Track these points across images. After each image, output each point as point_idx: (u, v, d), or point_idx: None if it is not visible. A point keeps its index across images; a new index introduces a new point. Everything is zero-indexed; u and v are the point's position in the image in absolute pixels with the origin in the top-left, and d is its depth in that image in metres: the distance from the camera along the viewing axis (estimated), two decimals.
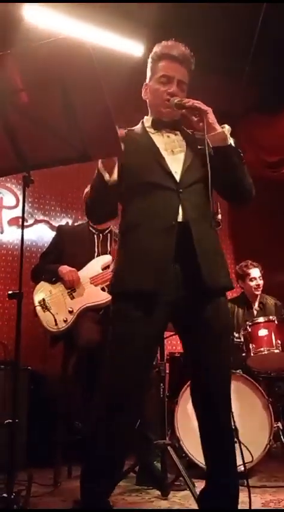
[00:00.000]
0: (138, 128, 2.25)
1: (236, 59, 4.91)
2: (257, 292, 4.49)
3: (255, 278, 4.47)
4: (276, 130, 5.41)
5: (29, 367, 3.86)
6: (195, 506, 2.33)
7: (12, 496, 2.15)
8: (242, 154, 2.14)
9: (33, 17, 4.35)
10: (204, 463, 2.12)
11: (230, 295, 5.42)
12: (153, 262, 1.99)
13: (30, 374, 3.86)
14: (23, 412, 3.60)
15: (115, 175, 2.03)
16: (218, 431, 2.04)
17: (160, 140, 2.18)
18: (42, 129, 1.95)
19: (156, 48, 2.23)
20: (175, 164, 2.11)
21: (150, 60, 2.24)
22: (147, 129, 2.22)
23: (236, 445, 3.00)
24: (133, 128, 2.25)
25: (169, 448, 2.80)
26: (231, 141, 2.10)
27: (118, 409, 1.97)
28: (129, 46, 4.76)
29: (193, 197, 2.07)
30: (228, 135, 2.09)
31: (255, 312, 4.46)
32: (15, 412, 2.31)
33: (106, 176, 2.03)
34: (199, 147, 2.09)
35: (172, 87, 2.16)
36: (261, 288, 4.50)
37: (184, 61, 2.19)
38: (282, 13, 4.40)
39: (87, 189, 3.64)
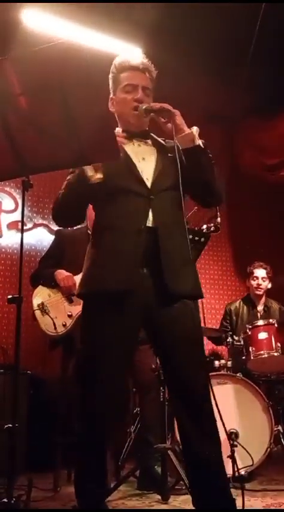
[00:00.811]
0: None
1: (234, 62, 4.92)
2: (258, 292, 4.53)
3: (257, 278, 4.52)
4: (274, 132, 5.42)
5: (29, 371, 3.85)
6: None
7: (13, 501, 2.14)
8: (211, 155, 2.15)
9: (32, 21, 4.36)
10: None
11: (228, 298, 5.48)
12: (122, 264, 2.02)
13: (29, 378, 3.86)
14: (23, 417, 3.59)
15: (100, 174, 2.04)
16: (203, 439, 1.99)
17: (131, 149, 2.20)
18: (41, 133, 1.95)
19: (115, 62, 2.27)
20: (146, 171, 2.14)
21: (110, 75, 2.28)
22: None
23: (236, 449, 3.05)
24: None
25: (169, 452, 2.79)
26: (199, 142, 2.12)
27: (94, 416, 2.01)
28: (127, 50, 4.76)
29: (165, 203, 2.10)
30: (196, 136, 2.11)
31: (259, 314, 4.48)
32: (15, 416, 2.31)
33: (92, 174, 2.03)
34: (169, 154, 2.12)
35: (137, 94, 2.18)
36: (263, 289, 4.53)
37: (145, 69, 2.23)
38: (280, 16, 4.41)
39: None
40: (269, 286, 4.56)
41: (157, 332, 2.10)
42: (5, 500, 2.12)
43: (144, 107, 2.13)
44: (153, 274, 2.04)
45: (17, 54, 1.90)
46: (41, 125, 1.94)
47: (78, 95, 1.83)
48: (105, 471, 2.11)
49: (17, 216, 4.98)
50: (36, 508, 2.61)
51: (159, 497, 2.79)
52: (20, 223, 2.43)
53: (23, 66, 1.81)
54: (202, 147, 2.12)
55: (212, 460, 1.98)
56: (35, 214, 5.16)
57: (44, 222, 5.21)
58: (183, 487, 2.75)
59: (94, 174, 2.04)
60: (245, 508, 2.12)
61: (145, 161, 2.17)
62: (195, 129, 2.11)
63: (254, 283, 4.54)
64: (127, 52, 2.28)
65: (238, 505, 2.03)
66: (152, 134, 2.27)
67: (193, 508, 2.03)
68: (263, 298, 4.58)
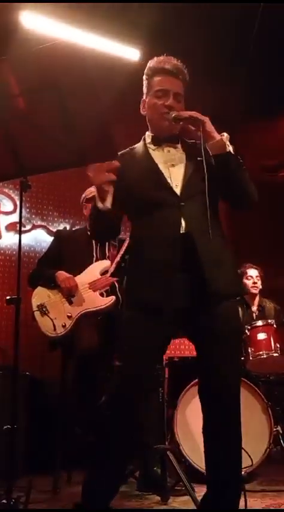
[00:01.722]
0: (139, 145, 2.28)
1: (233, 63, 4.93)
2: (254, 291, 4.57)
3: (252, 277, 4.58)
4: (274, 134, 5.44)
5: (28, 373, 3.85)
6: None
7: (12, 503, 2.14)
8: (242, 161, 2.16)
9: (30, 22, 4.37)
10: (204, 468, 2.11)
11: None
12: (158, 275, 2.04)
13: (29, 379, 3.85)
14: (22, 418, 3.59)
15: (108, 203, 2.05)
16: (224, 437, 2.04)
17: (160, 155, 2.20)
18: (39, 134, 1.95)
19: (149, 64, 2.26)
20: (176, 177, 2.14)
21: (144, 77, 2.28)
22: (148, 145, 2.25)
23: None
24: (134, 146, 2.29)
25: (168, 453, 2.79)
26: (230, 148, 2.13)
27: (121, 418, 2.01)
28: (125, 51, 4.78)
29: (195, 208, 2.09)
30: (227, 143, 2.11)
31: (254, 315, 4.49)
32: (14, 418, 2.31)
33: (100, 204, 2.05)
34: (199, 158, 2.10)
35: (168, 100, 2.18)
36: (258, 288, 4.57)
37: (178, 73, 2.22)
38: (279, 19, 4.42)
39: (84, 194, 3.65)
40: (261, 286, 4.60)
41: (197, 334, 2.12)
42: (5, 501, 2.12)
43: (173, 115, 2.13)
44: (191, 279, 2.05)
45: (15, 54, 1.90)
46: (39, 125, 1.94)
47: (76, 95, 1.83)
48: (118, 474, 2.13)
49: (15, 217, 4.98)
50: (35, 509, 2.61)
51: (159, 498, 2.79)
52: (18, 225, 2.43)
53: (21, 67, 1.82)
54: (232, 153, 2.13)
55: (233, 461, 2.04)
56: (33, 216, 5.16)
57: (43, 224, 5.20)
58: (183, 488, 2.75)
59: (102, 205, 2.05)
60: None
61: (174, 168, 2.17)
62: (225, 136, 2.12)
63: (249, 282, 4.58)
64: (162, 56, 2.25)
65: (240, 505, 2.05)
66: (183, 138, 2.27)
67: (193, 508, 2.04)
68: (257, 298, 4.60)
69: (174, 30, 4.48)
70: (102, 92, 1.80)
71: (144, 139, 2.28)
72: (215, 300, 2.05)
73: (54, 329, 3.20)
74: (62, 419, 3.35)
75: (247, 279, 4.59)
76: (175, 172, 2.16)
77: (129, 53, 4.79)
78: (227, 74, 5.06)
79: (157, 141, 2.24)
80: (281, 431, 3.58)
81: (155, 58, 2.27)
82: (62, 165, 2.13)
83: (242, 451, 2.20)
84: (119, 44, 4.72)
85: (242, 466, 2.35)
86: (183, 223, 2.07)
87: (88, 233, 2.39)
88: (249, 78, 4.94)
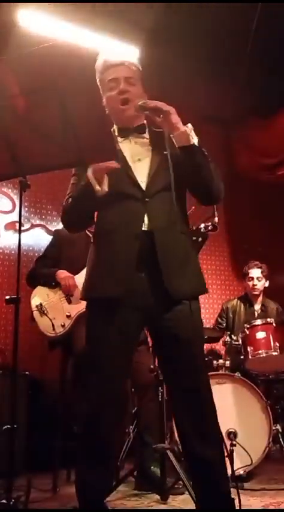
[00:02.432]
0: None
1: (231, 62, 4.92)
2: (254, 292, 4.54)
3: (252, 278, 4.53)
4: (272, 132, 5.43)
5: (27, 372, 3.85)
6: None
7: (12, 502, 2.14)
8: (206, 154, 2.12)
9: (28, 21, 4.35)
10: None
11: (225, 297, 5.49)
12: (118, 270, 2.04)
13: (28, 379, 3.85)
14: (22, 418, 3.59)
15: (105, 186, 2.03)
16: (204, 439, 1.99)
17: (127, 148, 2.18)
18: (38, 133, 1.95)
19: (96, 66, 2.22)
20: (141, 173, 2.13)
21: (97, 81, 2.23)
22: (116, 138, 2.21)
23: (235, 448, 3.05)
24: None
25: (168, 452, 2.79)
26: (195, 140, 2.09)
27: (96, 415, 2.02)
28: (124, 50, 4.77)
29: (161, 205, 2.08)
30: (191, 134, 2.09)
31: (256, 314, 4.49)
32: (13, 417, 2.31)
33: (97, 187, 2.02)
34: (165, 152, 2.07)
35: (119, 86, 2.14)
36: (258, 289, 4.54)
37: (122, 63, 2.18)
38: (276, 18, 4.42)
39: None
40: (266, 284, 4.56)
41: (158, 334, 2.11)
42: (4, 501, 2.12)
43: (139, 103, 2.10)
44: (152, 277, 2.04)
45: (14, 55, 1.90)
46: (38, 125, 1.94)
47: (75, 95, 1.83)
48: (110, 470, 2.14)
49: (14, 216, 4.97)
50: (35, 509, 2.61)
51: (158, 497, 2.79)
52: (17, 224, 2.42)
53: (20, 67, 1.82)
54: (197, 145, 2.09)
55: (212, 460, 1.98)
56: (32, 215, 5.15)
57: (42, 223, 5.20)
58: (182, 487, 2.75)
59: (99, 188, 2.02)
60: (243, 507, 2.12)
61: (140, 162, 2.15)
62: (189, 127, 2.09)
63: (249, 283, 4.55)
64: (103, 52, 2.22)
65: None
66: (151, 127, 2.23)
67: (193, 508, 2.03)
68: (261, 298, 4.59)
69: (173, 29, 4.47)
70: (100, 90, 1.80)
71: (113, 132, 2.24)
72: (174, 301, 2.04)
73: (53, 329, 3.20)
74: (61, 419, 3.35)
75: (248, 280, 4.56)
76: (140, 167, 2.14)
77: (129, 52, 4.78)
78: (226, 72, 5.05)
79: (123, 133, 2.20)
80: (280, 430, 3.58)
81: (98, 59, 2.22)
82: (61, 165, 2.13)
83: (242, 449, 2.21)
84: (118, 43, 4.71)
85: (242, 465, 2.37)
86: (146, 220, 2.07)
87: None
88: (248, 77, 4.94)
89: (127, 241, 2.04)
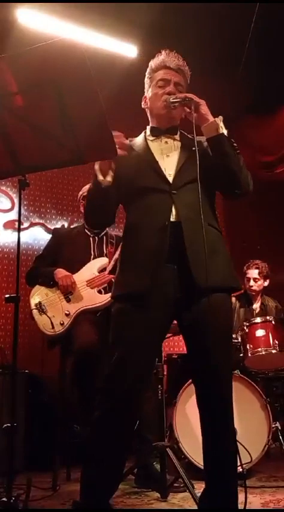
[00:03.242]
0: (139, 137, 2.32)
1: (229, 61, 4.93)
2: (252, 293, 4.53)
3: (249, 279, 4.54)
4: (270, 130, 5.44)
5: (27, 371, 3.85)
6: (194, 508, 2.33)
7: (12, 500, 2.14)
8: (236, 145, 2.16)
9: (27, 19, 4.35)
10: (203, 465, 2.11)
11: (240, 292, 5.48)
12: (146, 262, 2.04)
13: (27, 378, 3.85)
14: (21, 416, 3.59)
15: (109, 177, 2.04)
16: (215, 434, 2.03)
17: (157, 146, 2.23)
18: (37, 132, 1.95)
19: (151, 63, 2.30)
20: (169, 166, 2.16)
21: (146, 76, 2.32)
22: (147, 137, 2.28)
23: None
24: (134, 138, 2.31)
25: (168, 449, 2.79)
26: (224, 130, 2.14)
27: (118, 410, 1.99)
28: (122, 47, 4.77)
29: (188, 197, 2.10)
30: (220, 125, 2.13)
31: (255, 312, 4.49)
32: (13, 416, 2.31)
33: (100, 177, 2.04)
34: (193, 148, 2.11)
35: (169, 88, 2.21)
36: (255, 290, 4.54)
37: (179, 70, 2.26)
38: (274, 16, 4.41)
39: (82, 192, 3.66)
40: (266, 284, 4.56)
41: (187, 327, 2.11)
42: (4, 499, 2.12)
43: (171, 99, 2.16)
44: (181, 269, 2.05)
45: (12, 52, 1.89)
46: (37, 123, 1.93)
47: (74, 93, 1.82)
48: (121, 470, 2.10)
49: (13, 215, 4.98)
50: (35, 508, 2.61)
51: (158, 494, 2.80)
52: (16, 223, 2.42)
53: (19, 65, 1.81)
54: (226, 135, 2.14)
55: (226, 459, 2.02)
56: (31, 213, 5.16)
57: (41, 221, 5.20)
58: (182, 485, 2.75)
59: (103, 179, 2.04)
60: (242, 505, 2.12)
61: (169, 157, 2.19)
62: (219, 118, 2.14)
63: (247, 284, 4.56)
64: (164, 54, 2.29)
65: (240, 501, 2.06)
66: (182, 131, 2.29)
67: (192, 505, 2.04)
68: (260, 297, 4.59)
69: (171, 27, 4.47)
70: (100, 89, 1.80)
71: (145, 132, 2.32)
72: (203, 292, 2.02)
73: (53, 327, 3.20)
74: (60, 417, 3.35)
75: (247, 280, 4.56)
76: (169, 162, 2.18)
77: (127, 49, 4.78)
78: (224, 70, 5.06)
79: (156, 132, 2.26)
80: (280, 428, 3.59)
81: (157, 56, 2.29)
82: (60, 163, 2.12)
83: (242, 447, 2.21)
84: (117, 40, 4.71)
85: (242, 463, 2.36)
86: (174, 211, 2.08)
87: (84, 220, 2.34)
88: (245, 75, 4.94)
89: (155, 232, 2.05)
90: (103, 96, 1.80)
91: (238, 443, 3.06)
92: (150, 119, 2.32)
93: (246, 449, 3.05)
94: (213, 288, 2.02)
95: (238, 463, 2.12)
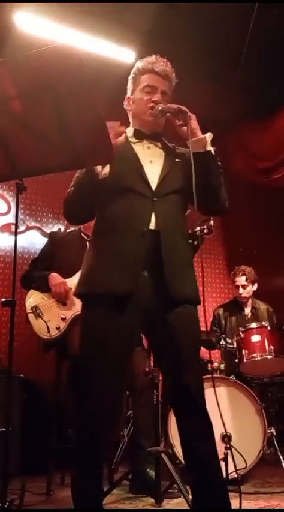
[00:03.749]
0: (120, 139, 2.25)
1: (227, 66, 4.94)
2: (243, 300, 4.55)
3: (238, 286, 4.55)
4: (267, 136, 5.45)
5: (22, 375, 3.84)
6: None
7: (6, 505, 2.13)
8: (220, 164, 2.18)
9: (25, 24, 4.36)
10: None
11: (222, 301, 5.48)
12: (124, 266, 2.03)
13: (23, 382, 3.84)
14: (16, 420, 3.58)
15: (107, 170, 2.06)
16: (196, 445, 2.01)
17: (140, 150, 2.23)
18: (35, 136, 1.95)
19: (138, 64, 2.29)
20: (153, 174, 2.16)
21: (131, 75, 2.31)
22: (129, 139, 2.26)
23: (229, 451, 3.04)
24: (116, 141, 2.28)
25: (163, 455, 2.78)
26: (211, 148, 2.15)
27: (93, 420, 1.99)
28: (120, 53, 4.78)
29: (168, 207, 2.12)
30: (208, 142, 2.15)
31: (247, 318, 4.50)
32: (8, 420, 2.30)
33: (99, 169, 2.06)
34: (177, 160, 2.15)
35: (156, 96, 2.21)
36: (245, 297, 4.55)
37: (166, 76, 2.26)
38: (272, 21, 4.44)
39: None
40: (254, 288, 4.56)
41: (157, 335, 2.11)
42: None
43: (160, 107, 2.16)
44: (155, 277, 2.05)
45: (10, 57, 1.89)
46: (34, 127, 1.93)
47: (72, 97, 1.83)
48: (101, 475, 2.08)
49: (9, 218, 4.97)
50: (34, 508, 2.60)
51: (153, 500, 2.79)
52: (12, 226, 2.42)
53: (17, 69, 1.81)
54: (213, 153, 2.15)
55: (209, 459, 2.00)
56: (27, 217, 5.15)
57: (37, 225, 5.20)
58: (176, 490, 2.75)
59: (101, 170, 2.06)
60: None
61: (152, 164, 2.19)
62: (208, 135, 2.15)
63: (237, 291, 4.59)
64: (153, 58, 2.29)
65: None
66: (163, 138, 2.29)
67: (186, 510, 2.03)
68: (251, 300, 4.60)
69: (169, 32, 4.48)
70: (98, 94, 1.80)
71: (126, 134, 2.27)
72: (174, 303, 2.04)
73: (48, 331, 3.19)
74: (55, 421, 3.34)
75: (236, 287, 4.59)
76: (152, 169, 2.17)
77: (125, 54, 4.79)
78: (221, 75, 5.07)
79: (139, 136, 2.25)
80: (274, 433, 3.59)
81: (144, 59, 2.29)
82: (57, 168, 2.12)
83: (236, 453, 2.21)
84: (114, 45, 4.72)
85: (237, 468, 2.37)
86: (153, 219, 2.08)
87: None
88: (243, 80, 4.96)
89: (133, 237, 2.05)
90: (101, 101, 1.80)
91: (233, 449, 3.07)
92: (131, 120, 2.31)
93: (241, 455, 3.05)
94: (184, 299, 2.05)
95: (234, 469, 2.12)
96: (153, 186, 2.13)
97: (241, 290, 4.52)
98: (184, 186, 2.09)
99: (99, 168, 2.07)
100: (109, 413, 2.05)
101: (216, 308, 4.77)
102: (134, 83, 2.29)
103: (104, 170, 2.07)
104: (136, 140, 2.25)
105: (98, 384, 2.00)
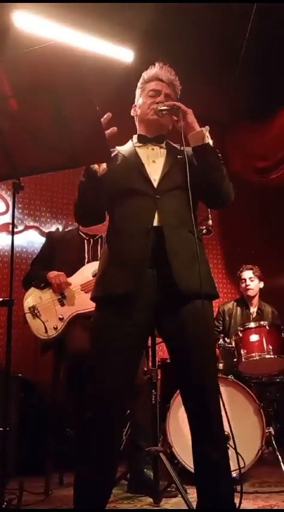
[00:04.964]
0: (127, 144, 2.35)
1: (225, 67, 4.94)
2: (249, 294, 4.57)
3: (245, 280, 4.57)
4: (264, 136, 5.46)
5: (20, 375, 3.83)
6: None
7: (4, 505, 2.13)
8: (220, 155, 2.20)
9: (23, 23, 4.36)
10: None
11: (220, 301, 5.48)
12: (128, 266, 2.05)
13: (20, 381, 3.84)
14: (14, 420, 3.57)
15: (104, 165, 2.09)
16: (204, 441, 2.02)
17: (144, 152, 2.27)
18: (32, 135, 1.94)
19: (144, 74, 2.35)
20: (155, 172, 2.19)
21: (138, 86, 2.36)
22: (134, 144, 2.32)
23: (228, 451, 3.04)
24: (122, 146, 2.34)
25: (161, 454, 2.78)
26: (209, 140, 2.17)
27: (101, 419, 1.98)
28: (119, 52, 4.78)
29: (171, 203, 2.13)
30: (206, 135, 2.16)
31: (252, 317, 4.51)
32: (5, 420, 2.30)
33: (96, 166, 2.08)
34: (179, 156, 2.18)
35: (159, 98, 2.26)
36: (253, 289, 4.56)
37: (171, 84, 2.32)
38: (269, 23, 4.44)
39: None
40: (261, 285, 4.59)
41: (168, 332, 2.11)
42: None
43: (159, 107, 2.20)
44: (162, 274, 2.05)
45: (7, 55, 1.89)
46: (32, 126, 1.93)
47: (69, 96, 1.82)
48: (112, 473, 2.09)
49: (7, 218, 4.97)
50: (32, 508, 2.60)
51: (151, 500, 2.78)
52: (10, 226, 2.42)
53: (14, 68, 1.81)
54: (211, 146, 2.17)
55: (218, 461, 2.01)
56: (25, 217, 5.15)
57: (35, 224, 5.20)
58: (175, 490, 2.74)
59: (99, 166, 2.08)
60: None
61: (154, 163, 2.22)
62: (205, 128, 2.16)
63: (243, 285, 4.60)
64: (158, 66, 2.36)
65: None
66: (168, 141, 2.32)
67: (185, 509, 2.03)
68: (257, 301, 4.60)
69: (167, 32, 4.49)
70: (96, 93, 1.80)
71: (132, 139, 2.35)
72: (183, 300, 2.04)
73: (46, 331, 3.19)
74: (53, 421, 3.33)
75: (241, 282, 4.61)
76: (154, 167, 2.21)
77: (123, 54, 4.79)
78: (219, 75, 5.07)
79: (143, 140, 2.30)
80: (273, 433, 3.59)
81: (150, 68, 2.35)
82: (55, 167, 2.12)
83: (235, 452, 2.20)
84: (113, 45, 4.72)
85: (235, 468, 2.35)
86: (157, 216, 2.09)
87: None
88: (241, 80, 4.96)
89: (138, 236, 2.07)
90: (99, 101, 1.80)
91: (231, 448, 3.07)
92: (138, 127, 2.36)
93: (239, 454, 3.04)
94: (193, 294, 2.03)
95: (232, 469, 2.11)
96: (155, 183, 2.15)
97: (248, 282, 4.54)
98: (189, 180, 2.09)
99: (96, 166, 2.09)
100: (114, 416, 2.03)
101: (222, 304, 4.78)
102: (140, 91, 2.35)
103: (102, 166, 2.09)
104: (140, 144, 2.30)
105: (104, 385, 1.99)
